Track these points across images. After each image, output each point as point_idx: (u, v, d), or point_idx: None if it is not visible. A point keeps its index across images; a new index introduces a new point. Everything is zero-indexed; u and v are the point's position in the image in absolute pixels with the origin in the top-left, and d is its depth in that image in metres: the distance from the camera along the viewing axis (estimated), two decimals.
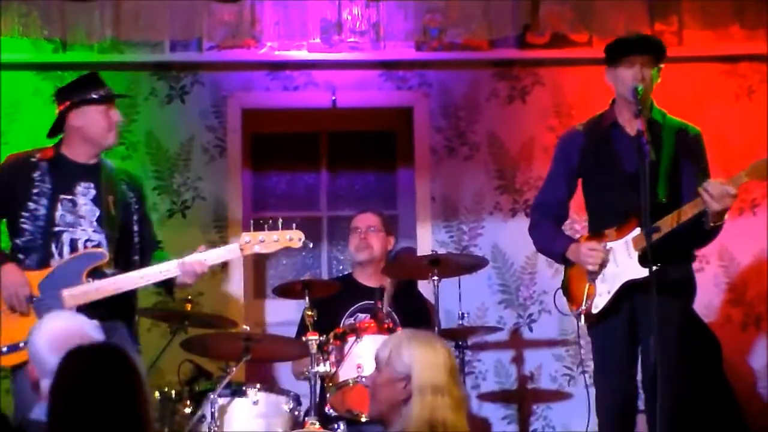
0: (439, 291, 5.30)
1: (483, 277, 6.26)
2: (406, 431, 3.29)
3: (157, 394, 5.01)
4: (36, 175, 4.89)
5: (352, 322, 5.57)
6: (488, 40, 6.44)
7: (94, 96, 4.96)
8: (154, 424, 2.91)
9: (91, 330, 3.60)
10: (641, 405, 4.88)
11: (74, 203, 4.89)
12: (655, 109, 4.93)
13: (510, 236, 6.42)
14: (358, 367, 4.98)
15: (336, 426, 5.07)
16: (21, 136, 6.23)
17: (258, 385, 5.11)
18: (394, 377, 3.37)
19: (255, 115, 6.63)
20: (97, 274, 4.80)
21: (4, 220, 4.97)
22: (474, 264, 5.70)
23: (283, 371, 6.13)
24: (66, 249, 4.84)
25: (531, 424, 6.38)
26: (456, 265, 5.54)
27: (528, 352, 6.42)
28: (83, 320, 3.70)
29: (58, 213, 4.86)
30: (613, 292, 4.77)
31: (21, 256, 4.82)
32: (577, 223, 5.93)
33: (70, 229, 4.86)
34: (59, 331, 3.54)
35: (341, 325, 5.51)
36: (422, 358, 3.36)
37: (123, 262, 4.94)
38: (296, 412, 5.09)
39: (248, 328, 5.22)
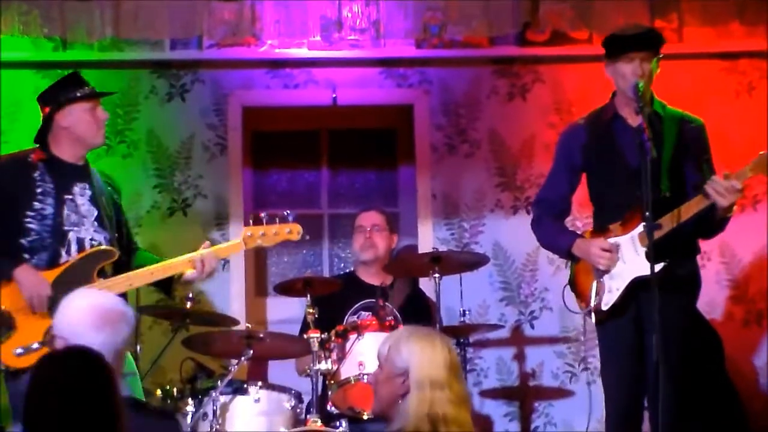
0: (441, 288, 5.30)
1: (484, 274, 6.26)
2: (406, 426, 3.29)
3: (158, 392, 5.01)
4: (36, 175, 4.87)
5: (355, 319, 5.57)
6: (488, 38, 6.44)
7: (79, 94, 4.94)
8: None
9: (123, 304, 3.59)
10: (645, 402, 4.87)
11: (75, 203, 4.89)
12: (656, 102, 4.92)
13: (511, 233, 6.42)
14: (360, 364, 4.98)
15: (338, 423, 5.07)
16: (21, 135, 6.21)
17: (259, 383, 5.11)
18: (394, 373, 3.37)
19: (255, 113, 6.63)
20: (102, 273, 4.81)
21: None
22: (475, 261, 5.71)
23: (278, 370, 6.11)
24: (74, 248, 4.82)
25: (533, 421, 6.38)
26: (457, 262, 5.55)
27: (529, 349, 6.42)
28: (112, 295, 3.69)
29: (65, 212, 4.85)
30: (622, 289, 4.75)
31: (26, 256, 4.79)
32: (578, 220, 5.93)
33: (75, 228, 4.85)
34: (99, 306, 3.50)
35: (345, 322, 5.51)
36: (421, 353, 3.36)
37: (116, 263, 4.94)
38: (298, 410, 5.09)
39: (250, 325, 5.22)
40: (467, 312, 5.71)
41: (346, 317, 5.66)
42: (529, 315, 6.44)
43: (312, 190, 6.86)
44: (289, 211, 5.02)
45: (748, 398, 6.06)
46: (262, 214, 5.02)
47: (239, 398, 5.02)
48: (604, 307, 4.80)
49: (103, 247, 4.85)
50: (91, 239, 4.86)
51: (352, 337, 5.06)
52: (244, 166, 6.56)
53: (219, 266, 6.24)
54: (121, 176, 6.22)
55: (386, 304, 5.35)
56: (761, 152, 4.66)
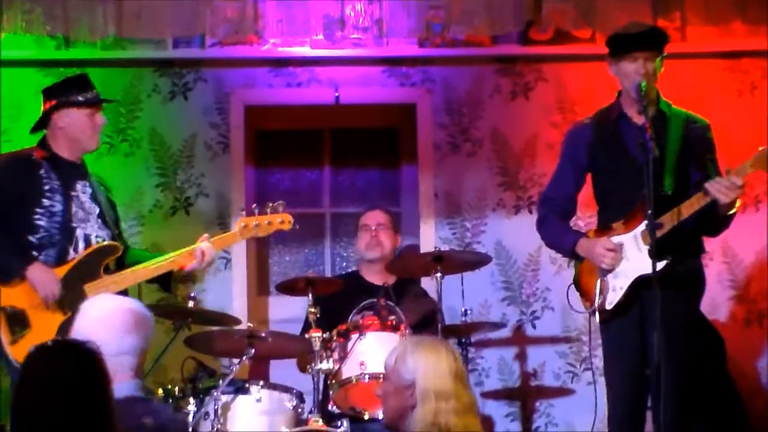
0: (442, 288, 5.30)
1: (486, 274, 6.25)
2: None
3: (160, 391, 5.01)
4: (42, 172, 4.90)
5: (358, 319, 5.56)
6: (491, 37, 6.44)
7: (80, 99, 4.95)
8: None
9: (144, 307, 3.64)
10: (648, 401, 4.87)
11: (80, 200, 4.91)
12: (662, 100, 4.92)
13: (513, 233, 6.41)
14: (361, 364, 4.98)
15: (339, 423, 5.06)
16: (23, 133, 6.20)
17: (261, 383, 5.10)
18: (401, 385, 3.40)
19: (258, 112, 6.63)
20: (106, 269, 4.84)
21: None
22: (477, 261, 5.70)
23: (280, 370, 6.11)
24: (81, 244, 4.86)
25: (534, 421, 6.38)
26: (459, 261, 5.54)
27: (531, 349, 6.42)
28: (131, 299, 3.77)
29: (72, 209, 4.87)
30: (625, 287, 4.74)
31: (35, 253, 4.81)
32: (580, 219, 5.93)
33: (82, 224, 4.89)
34: (128, 311, 3.56)
35: (349, 322, 5.50)
36: (426, 365, 3.39)
37: (118, 259, 4.97)
38: (299, 410, 5.08)
39: (251, 325, 5.22)
40: (469, 311, 5.70)
41: (351, 316, 5.65)
42: (531, 315, 6.44)
43: (314, 189, 6.86)
44: (280, 202, 5.06)
45: (749, 398, 6.06)
46: (254, 205, 5.11)
47: (241, 398, 5.01)
48: (608, 306, 4.79)
49: (108, 242, 4.88)
50: (97, 236, 4.91)
51: (354, 336, 5.06)
52: (246, 165, 6.56)
53: (221, 265, 6.30)
54: (124, 175, 6.27)
55: (389, 303, 5.34)
56: (761, 148, 4.65)
